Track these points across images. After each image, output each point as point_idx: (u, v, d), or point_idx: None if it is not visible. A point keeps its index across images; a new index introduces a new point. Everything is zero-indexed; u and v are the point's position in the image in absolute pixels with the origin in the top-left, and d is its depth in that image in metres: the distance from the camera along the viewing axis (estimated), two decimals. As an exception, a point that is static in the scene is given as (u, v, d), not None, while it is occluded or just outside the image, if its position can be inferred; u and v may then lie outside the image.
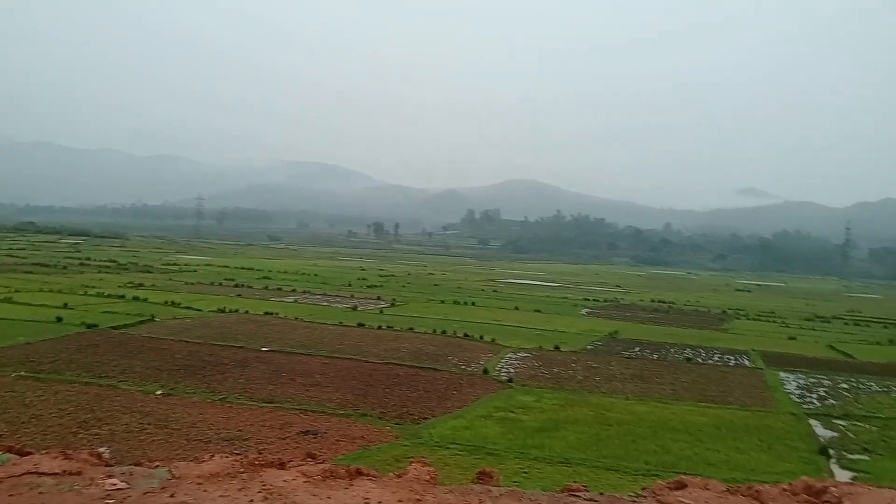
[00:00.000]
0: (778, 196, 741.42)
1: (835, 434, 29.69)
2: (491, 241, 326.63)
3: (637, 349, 53.41)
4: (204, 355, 38.99)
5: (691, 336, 63.43)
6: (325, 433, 25.65)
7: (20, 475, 3.61)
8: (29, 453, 4.03)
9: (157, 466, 4.02)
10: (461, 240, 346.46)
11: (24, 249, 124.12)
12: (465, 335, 52.61)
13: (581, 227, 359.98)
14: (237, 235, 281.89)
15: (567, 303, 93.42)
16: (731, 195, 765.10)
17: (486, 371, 39.46)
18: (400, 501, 3.56)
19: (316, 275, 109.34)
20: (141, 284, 76.13)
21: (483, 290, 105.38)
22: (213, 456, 4.12)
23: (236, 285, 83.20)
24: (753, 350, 55.06)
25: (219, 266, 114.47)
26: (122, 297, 63.94)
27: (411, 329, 54.44)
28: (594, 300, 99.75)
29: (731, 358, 51.42)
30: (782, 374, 44.42)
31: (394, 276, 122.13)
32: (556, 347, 50.30)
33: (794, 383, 41.75)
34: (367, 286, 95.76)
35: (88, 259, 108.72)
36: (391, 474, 4.04)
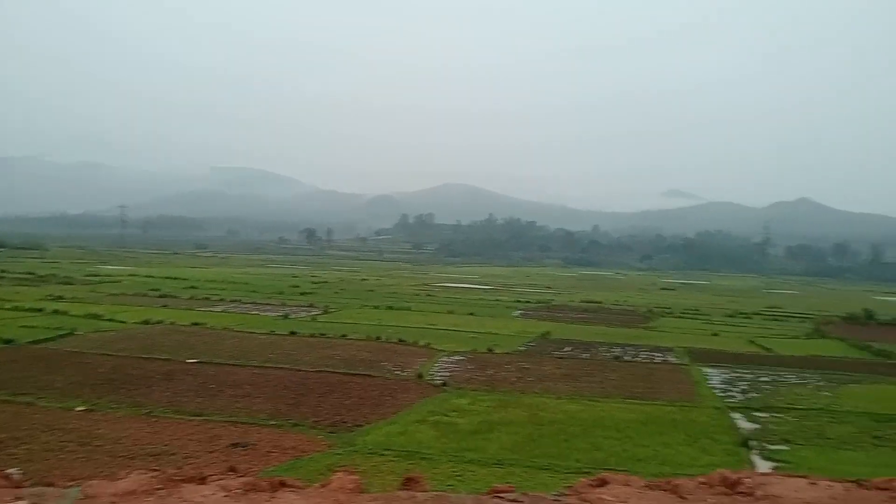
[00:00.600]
0: (701, 197, 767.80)
1: (756, 426, 30.88)
2: (425, 246, 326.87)
3: (568, 349, 54.37)
4: (128, 369, 37.72)
5: (620, 335, 64.96)
6: (256, 445, 25.17)
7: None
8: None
9: (70, 486, 3.86)
10: (395, 245, 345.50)
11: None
12: (400, 340, 52.49)
13: (513, 230, 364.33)
14: (163, 244, 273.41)
15: (500, 305, 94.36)
16: (657, 197, 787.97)
17: (420, 376, 39.47)
18: (323, 512, 3.53)
19: (246, 283, 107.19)
20: (61, 297, 73.02)
21: (417, 294, 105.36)
22: (129, 473, 3.98)
23: (162, 296, 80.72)
24: (679, 347, 56.80)
25: (143, 276, 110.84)
26: (41, 310, 61.19)
27: (345, 336, 54.00)
28: (527, 302, 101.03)
29: (658, 355, 52.92)
30: (706, 370, 45.96)
31: (327, 282, 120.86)
32: (490, 350, 50.72)
33: (717, 378, 43.25)
34: (300, 293, 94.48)
35: (4, 271, 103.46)
36: (315, 485, 4.00)
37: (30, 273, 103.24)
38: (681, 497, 4.73)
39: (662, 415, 32.14)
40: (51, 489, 3.82)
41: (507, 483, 4.86)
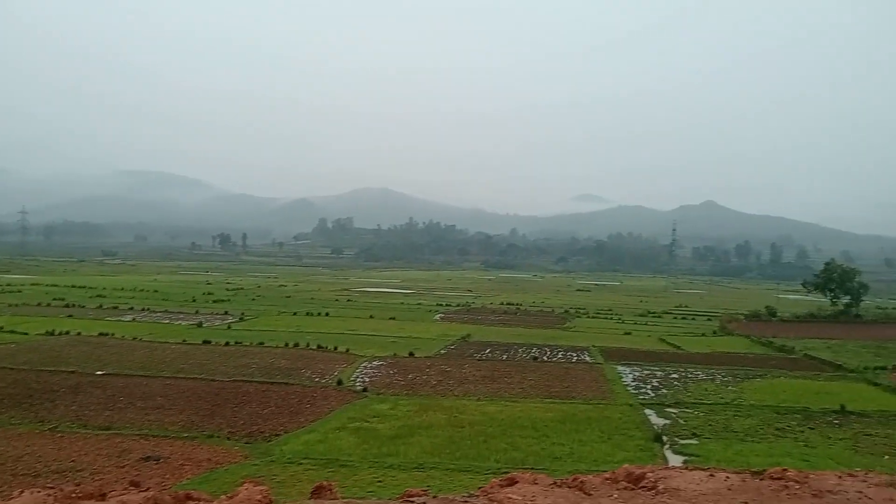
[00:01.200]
0: (611, 201, 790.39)
1: (667, 421, 32.02)
2: (344, 251, 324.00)
3: (488, 351, 54.99)
4: (31, 382, 35.80)
5: (537, 336, 66.20)
6: (168, 458, 24.31)
7: None
8: None
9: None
10: (314, 250, 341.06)
11: None
12: (319, 347, 51.83)
13: (433, 233, 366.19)
14: (67, 251, 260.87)
15: (421, 309, 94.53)
16: (570, 201, 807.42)
17: (340, 382, 39.08)
18: (230, 525, 3.47)
19: (156, 291, 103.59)
20: (-47, 309, 68.65)
21: (337, 300, 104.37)
22: (22, 492, 3.81)
23: (67, 305, 77.02)
24: (593, 346, 58.33)
25: (47, 285, 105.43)
26: (-69, 323, 57.37)
27: (262, 343, 52.90)
28: (447, 305, 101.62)
29: (574, 354, 54.18)
30: (620, 368, 47.34)
31: (242, 289, 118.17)
32: (411, 354, 50.74)
33: (630, 376, 44.62)
34: (214, 301, 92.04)
35: None
36: (223, 497, 3.93)
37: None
38: (586, 493, 4.90)
39: (578, 413, 32.91)
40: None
41: (425, 486, 4.91)
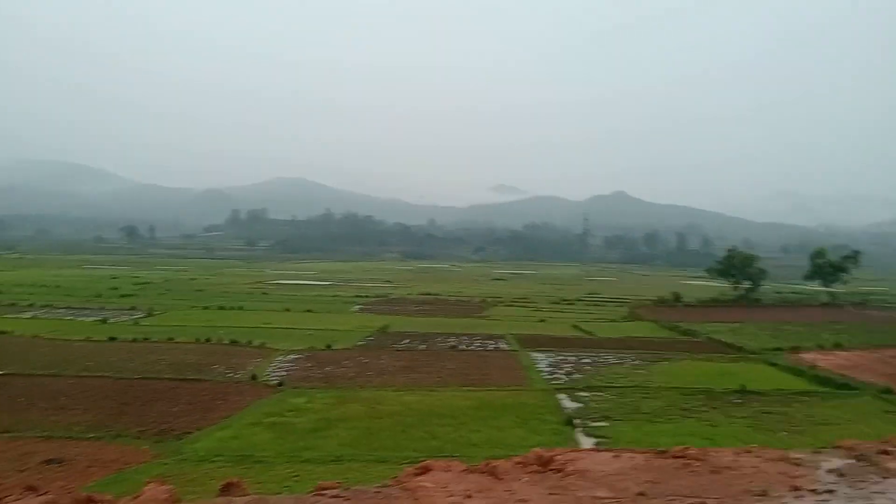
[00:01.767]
0: (527, 192, 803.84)
1: (580, 405, 32.98)
2: (259, 242, 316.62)
3: (407, 341, 55.09)
4: (-83, 387, 33.54)
5: (455, 325, 66.78)
6: (74, 460, 23.32)
7: None
8: None
9: None
10: (226, 241, 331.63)
11: None
12: (233, 341, 50.67)
13: (351, 224, 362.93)
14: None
15: (339, 301, 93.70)
16: (486, 192, 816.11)
17: (254, 377, 38.35)
18: (133, 526, 3.37)
19: (59, 286, 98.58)
20: None
21: (251, 293, 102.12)
22: None
23: (-42, 303, 72.41)
24: (510, 334, 59.34)
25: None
26: None
27: (172, 339, 51.29)
28: (366, 296, 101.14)
29: (491, 342, 54.99)
30: (535, 354, 48.36)
31: (151, 283, 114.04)
32: (329, 346, 50.28)
33: (545, 362, 45.66)
34: (120, 296, 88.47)
35: None
36: (126, 498, 3.81)
37: None
38: (497, 478, 5.01)
39: (495, 400, 33.45)
40: None
41: (343, 479, 4.90)
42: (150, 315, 69.47)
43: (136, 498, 3.76)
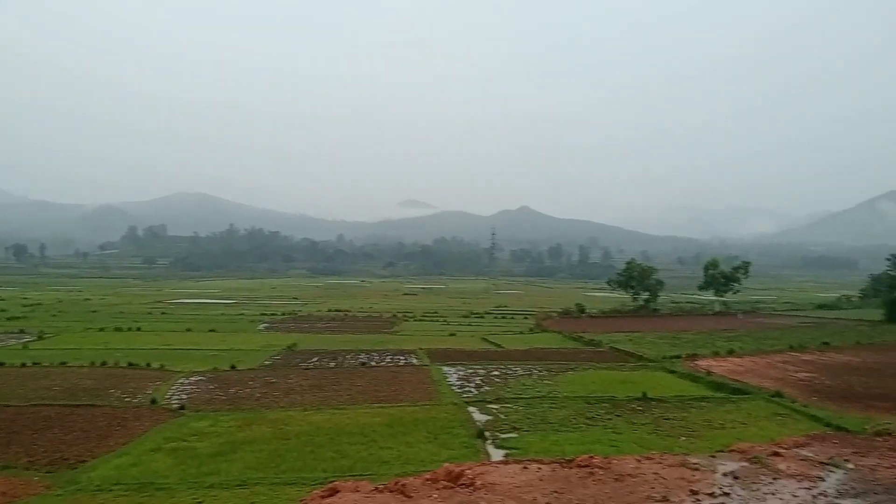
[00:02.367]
0: (435, 207, 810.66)
1: (489, 417, 33.22)
2: (158, 260, 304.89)
3: (315, 359, 54.12)
4: None
5: (365, 341, 66.19)
6: (-47, 498, 21.59)
7: None
8: None
9: None
10: (123, 260, 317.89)
11: None
12: (130, 364, 48.35)
13: (256, 240, 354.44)
14: None
15: (244, 319, 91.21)
16: (395, 207, 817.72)
17: (154, 401, 36.67)
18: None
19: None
20: None
21: (150, 312, 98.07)
22: None
23: None
24: (420, 348, 59.30)
25: None
26: None
27: (64, 363, 48.45)
28: (272, 314, 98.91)
29: (402, 358, 54.78)
30: (445, 368, 48.48)
31: (41, 304, 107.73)
32: (233, 367, 48.75)
33: (455, 375, 45.83)
34: (7, 318, 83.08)
35: None
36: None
37: None
38: (407, 496, 4.98)
39: (406, 415, 33.27)
40: None
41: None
42: (40, 338, 65.43)
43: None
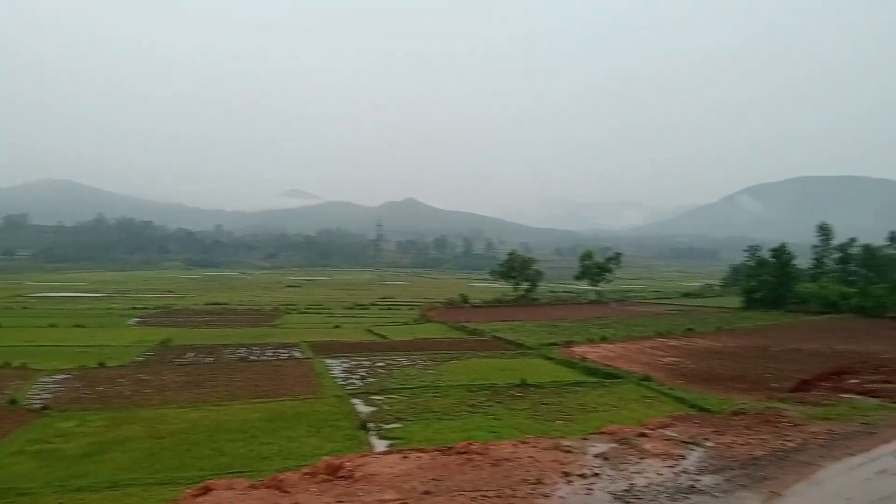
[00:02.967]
0: (319, 197, 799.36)
1: (373, 408, 33.23)
2: (18, 251, 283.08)
3: (191, 354, 52.21)
4: None
5: (245, 335, 64.54)
6: None
7: None
8: None
9: None
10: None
11: None
12: (-14, 363, 44.83)
13: (127, 230, 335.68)
14: None
15: (113, 314, 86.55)
16: (279, 196, 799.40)
17: (14, 401, 34.19)
18: None
19: None
20: None
21: (9, 307, 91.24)
22: None
23: None
24: (303, 341, 58.46)
25: None
26: None
27: None
28: (144, 308, 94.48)
29: (284, 351, 53.80)
30: (329, 361, 48.04)
31: None
32: (102, 364, 46.20)
33: (339, 368, 45.51)
34: None
35: None
36: None
37: None
38: (284, 491, 4.92)
39: (287, 410, 32.73)
40: None
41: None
42: None
43: None
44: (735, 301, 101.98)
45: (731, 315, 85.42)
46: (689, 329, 67.30)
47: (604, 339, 59.66)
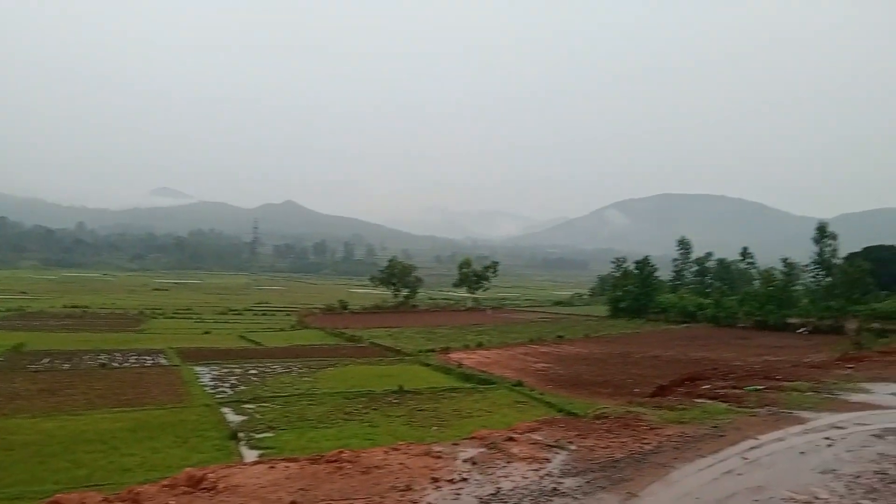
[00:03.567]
0: (192, 196, 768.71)
1: (244, 418, 32.24)
2: None
3: (46, 360, 48.73)
4: None
5: (107, 340, 61.08)
6: None
7: None
8: None
9: None
10: None
11: None
12: None
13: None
14: None
15: (-45, 317, 79.30)
16: (147, 195, 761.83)
17: None
18: None
19: None
20: None
21: None
22: None
23: None
24: (170, 348, 55.98)
25: None
26: None
27: None
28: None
29: (149, 358, 51.28)
30: (198, 368, 46.20)
31: None
32: (-60, 371, 42.22)
33: (208, 375, 43.85)
34: None
35: None
36: None
37: None
38: (141, 504, 4.74)
39: (152, 419, 31.18)
40: None
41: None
42: None
43: None
44: (602, 310, 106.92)
45: (598, 323, 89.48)
46: (560, 336, 69.93)
47: (480, 346, 60.86)
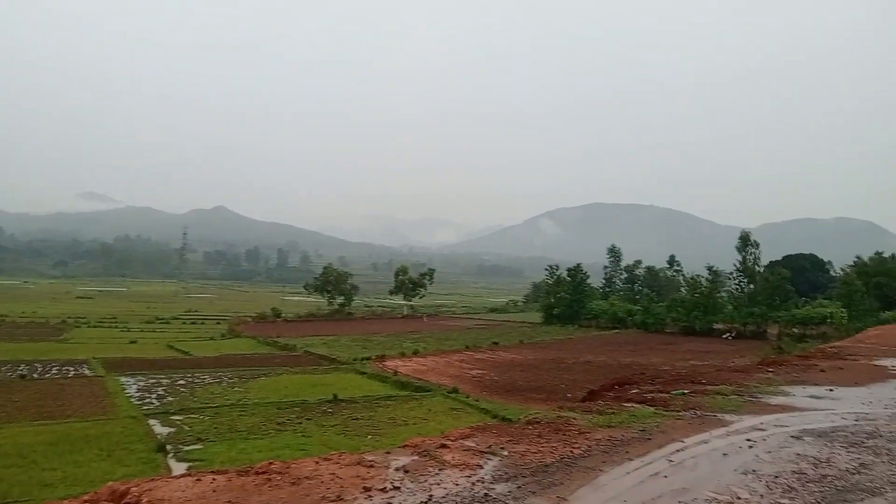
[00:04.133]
0: (118, 201, 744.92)
1: (172, 429, 31.33)
2: None
3: (-42, 373, 46.29)
4: None
5: (26, 350, 58.59)
6: None
7: None
8: None
9: None
10: None
11: None
12: None
13: None
14: None
15: None
16: (72, 199, 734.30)
17: None
18: None
19: None
20: None
21: None
22: None
23: None
24: (94, 358, 54.06)
25: None
26: None
27: None
28: None
29: (71, 369, 49.38)
30: (123, 379, 44.72)
31: None
32: None
33: (134, 386, 42.47)
34: None
35: None
36: None
37: None
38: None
39: (74, 432, 30.00)
40: None
41: None
42: None
43: None
44: (536, 316, 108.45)
45: (532, 329, 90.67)
46: (495, 343, 70.54)
47: (416, 353, 60.83)
